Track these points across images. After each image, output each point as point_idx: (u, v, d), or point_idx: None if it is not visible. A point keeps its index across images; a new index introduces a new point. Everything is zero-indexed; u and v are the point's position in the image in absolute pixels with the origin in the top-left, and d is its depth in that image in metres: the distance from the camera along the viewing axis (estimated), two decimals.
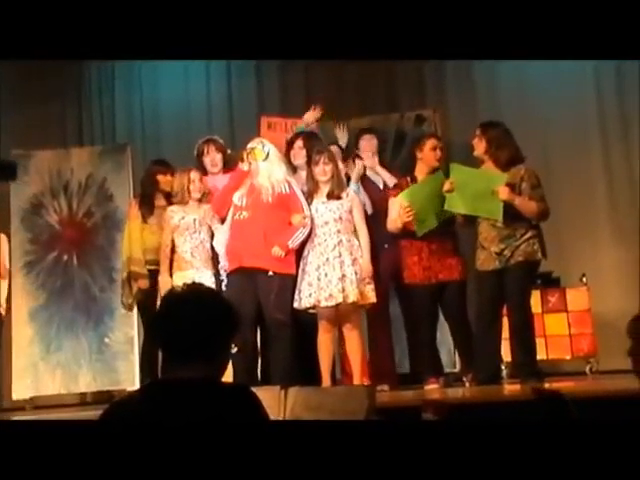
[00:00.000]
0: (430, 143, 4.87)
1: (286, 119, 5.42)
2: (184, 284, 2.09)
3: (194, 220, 4.76)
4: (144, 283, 4.93)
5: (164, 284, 4.68)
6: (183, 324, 1.96)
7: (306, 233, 4.51)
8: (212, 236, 4.79)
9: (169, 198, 5.03)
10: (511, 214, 4.49)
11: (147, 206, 5.07)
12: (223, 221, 4.72)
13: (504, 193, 4.48)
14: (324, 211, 4.56)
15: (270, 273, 4.45)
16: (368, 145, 5.11)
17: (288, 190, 4.55)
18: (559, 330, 5.36)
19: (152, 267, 4.93)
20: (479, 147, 4.65)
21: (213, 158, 4.98)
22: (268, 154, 4.61)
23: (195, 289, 2.09)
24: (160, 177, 5.09)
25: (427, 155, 4.85)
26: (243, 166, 4.61)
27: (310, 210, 4.55)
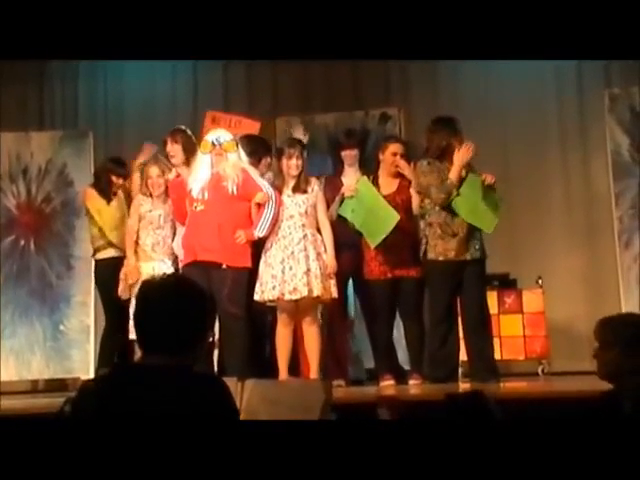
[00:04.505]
0: (392, 148, 4.88)
1: (230, 115, 5.42)
2: (164, 274, 2.11)
3: (159, 216, 4.77)
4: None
5: (131, 269, 4.66)
6: (162, 312, 1.98)
7: (272, 213, 4.47)
8: (175, 232, 4.78)
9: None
10: None
11: (105, 193, 5.10)
12: None
13: (490, 178, 4.65)
14: (290, 204, 4.56)
15: (224, 266, 4.43)
16: (351, 156, 5.04)
17: (243, 176, 4.51)
18: (514, 331, 5.44)
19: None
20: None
21: (170, 150, 4.92)
22: (237, 145, 4.60)
23: (174, 279, 2.11)
24: (114, 179, 5.12)
25: (387, 159, 4.86)
26: (203, 158, 4.57)
27: (271, 189, 4.52)
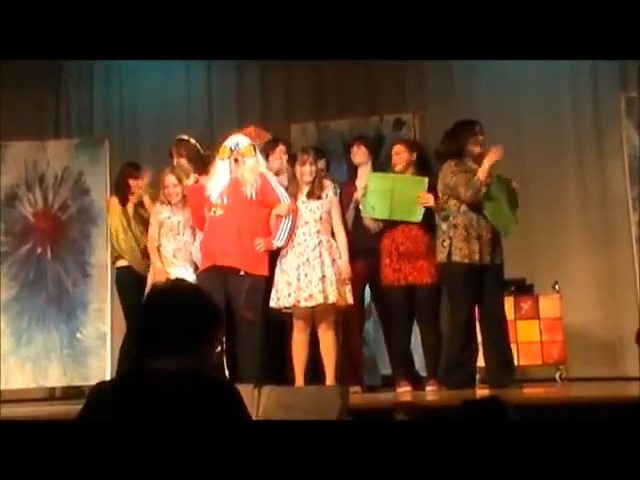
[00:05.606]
0: (395, 148, 4.92)
1: (249, 129, 5.43)
2: (169, 279, 2.14)
3: (178, 222, 4.80)
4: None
5: (157, 271, 4.68)
6: (169, 315, 2.00)
7: (290, 224, 4.49)
8: (195, 239, 4.80)
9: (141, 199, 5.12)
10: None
11: (123, 200, 5.13)
12: None
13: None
14: (304, 211, 4.57)
15: (242, 273, 4.44)
16: (359, 154, 5.07)
17: (261, 181, 4.52)
18: (531, 337, 5.40)
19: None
20: None
21: (177, 162, 4.91)
22: (255, 150, 4.62)
23: (181, 284, 2.14)
24: (131, 181, 5.15)
25: (392, 159, 4.90)
26: (221, 164, 4.58)
27: (289, 199, 4.54)
